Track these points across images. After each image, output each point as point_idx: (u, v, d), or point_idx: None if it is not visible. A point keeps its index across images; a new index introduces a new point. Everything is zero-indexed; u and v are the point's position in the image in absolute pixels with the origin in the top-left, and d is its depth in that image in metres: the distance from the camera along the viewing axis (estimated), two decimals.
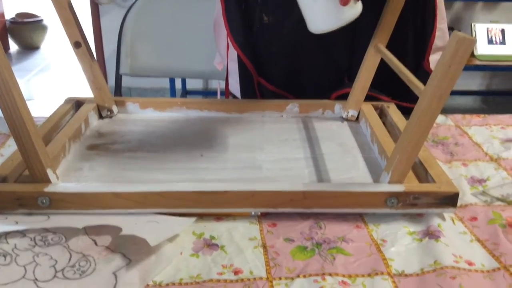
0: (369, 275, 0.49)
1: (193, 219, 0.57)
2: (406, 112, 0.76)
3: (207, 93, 2.91)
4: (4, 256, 0.50)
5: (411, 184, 0.58)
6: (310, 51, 0.87)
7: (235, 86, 0.98)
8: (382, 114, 0.80)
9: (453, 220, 0.58)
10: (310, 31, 0.68)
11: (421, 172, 0.62)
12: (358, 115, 0.81)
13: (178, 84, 2.49)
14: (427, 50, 0.87)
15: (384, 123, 0.76)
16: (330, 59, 0.87)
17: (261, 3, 0.85)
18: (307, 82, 0.88)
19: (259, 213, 0.59)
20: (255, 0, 0.85)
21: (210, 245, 0.54)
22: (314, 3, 0.64)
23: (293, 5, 0.84)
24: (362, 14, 0.76)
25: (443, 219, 0.58)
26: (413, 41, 0.87)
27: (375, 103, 0.81)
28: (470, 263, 0.51)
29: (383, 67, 0.75)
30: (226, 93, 1.04)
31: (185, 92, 2.60)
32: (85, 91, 0.75)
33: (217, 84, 2.41)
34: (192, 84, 2.72)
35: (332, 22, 0.64)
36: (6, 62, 0.52)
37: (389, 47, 0.73)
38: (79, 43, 0.74)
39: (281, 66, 0.89)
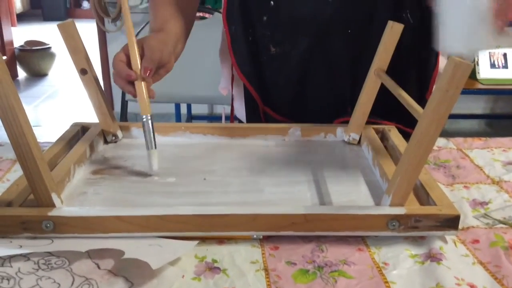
0: None
1: (195, 242, 0.57)
2: (409, 137, 0.77)
3: (212, 118, 2.93)
4: (8, 279, 0.50)
5: (412, 206, 0.59)
6: (315, 82, 0.89)
7: (240, 111, 1.00)
8: (383, 137, 0.81)
9: (455, 243, 0.58)
10: (438, 49, 0.65)
11: (422, 195, 0.63)
12: (360, 138, 0.81)
13: (183, 109, 2.52)
14: (431, 81, 0.89)
15: (385, 146, 0.77)
16: (334, 90, 0.89)
17: (269, 35, 0.87)
18: (312, 112, 0.90)
19: (261, 236, 0.59)
20: (263, 32, 0.87)
21: (212, 268, 0.54)
22: (461, 22, 0.61)
23: (300, 37, 0.86)
24: (365, 47, 0.78)
25: (445, 241, 0.58)
26: (417, 72, 0.89)
27: (376, 126, 0.82)
28: (472, 286, 0.51)
29: (386, 94, 0.77)
30: (231, 117, 1.06)
31: (191, 117, 2.63)
32: (91, 116, 0.76)
33: (222, 109, 2.43)
34: (197, 109, 2.75)
35: (479, 45, 0.61)
36: (12, 89, 0.53)
37: (391, 77, 0.74)
38: (85, 70, 0.76)
39: (287, 96, 0.91)
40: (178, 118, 2.35)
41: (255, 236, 0.59)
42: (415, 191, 0.63)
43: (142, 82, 0.72)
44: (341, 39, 0.85)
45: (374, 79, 0.76)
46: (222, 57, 1.01)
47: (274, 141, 0.83)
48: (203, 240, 0.58)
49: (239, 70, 0.90)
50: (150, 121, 0.72)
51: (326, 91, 0.90)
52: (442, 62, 0.91)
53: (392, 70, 0.73)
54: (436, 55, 0.88)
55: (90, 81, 0.77)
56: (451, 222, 0.57)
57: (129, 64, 0.73)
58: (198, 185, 0.68)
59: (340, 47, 0.86)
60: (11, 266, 0.52)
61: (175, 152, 0.79)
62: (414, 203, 0.61)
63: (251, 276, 0.53)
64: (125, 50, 0.74)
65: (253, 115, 0.95)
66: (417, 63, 0.88)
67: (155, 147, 0.72)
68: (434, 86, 0.90)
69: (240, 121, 1.03)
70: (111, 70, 3.00)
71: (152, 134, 0.72)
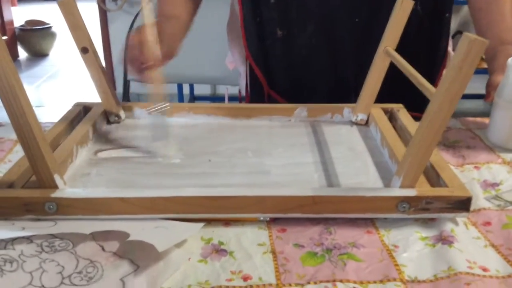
0: (381, 281, 0.48)
1: (201, 224, 0.56)
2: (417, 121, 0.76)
3: (215, 98, 2.90)
4: (11, 262, 0.49)
5: (423, 188, 0.57)
6: (320, 68, 0.88)
7: (243, 86, 0.99)
8: (392, 117, 0.79)
9: (466, 225, 0.57)
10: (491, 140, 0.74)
11: (433, 176, 0.61)
12: (368, 119, 0.80)
13: (186, 89, 2.49)
14: (441, 66, 0.87)
15: (394, 127, 0.75)
16: (338, 77, 0.87)
17: (276, 18, 0.85)
18: (316, 97, 0.88)
19: (268, 219, 0.58)
20: (270, 15, 0.85)
21: (219, 250, 0.53)
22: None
23: (306, 22, 0.85)
24: (371, 36, 0.76)
25: (456, 224, 0.57)
26: (426, 56, 0.87)
27: (384, 106, 0.80)
28: (484, 269, 0.50)
29: (393, 77, 0.75)
30: (240, 95, 1.05)
31: (193, 98, 2.60)
32: (93, 96, 0.74)
33: (225, 90, 2.40)
34: (199, 89, 2.72)
35: None
36: (13, 68, 0.51)
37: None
38: (86, 49, 0.74)
39: (291, 80, 0.90)
40: (180, 98, 2.33)
41: (261, 218, 0.58)
42: (425, 172, 0.62)
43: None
44: (348, 27, 0.84)
45: (383, 57, 0.74)
46: (229, 32, 0.99)
47: (280, 121, 0.82)
48: (209, 222, 0.57)
49: (247, 49, 0.89)
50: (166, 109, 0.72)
51: (330, 78, 0.89)
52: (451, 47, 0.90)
53: (400, 53, 0.71)
54: (447, 38, 0.86)
55: (91, 60, 0.75)
56: (463, 204, 0.56)
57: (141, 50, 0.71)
58: (203, 167, 0.67)
59: (346, 35, 0.84)
60: (14, 249, 0.51)
61: (179, 133, 0.77)
62: (424, 185, 0.60)
63: (258, 259, 0.52)
64: (141, 35, 0.71)
65: (258, 97, 0.94)
66: (426, 46, 0.86)
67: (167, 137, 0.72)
68: (445, 69, 0.88)
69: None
70: (113, 50, 2.96)
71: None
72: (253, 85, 0.93)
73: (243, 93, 1.02)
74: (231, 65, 1.05)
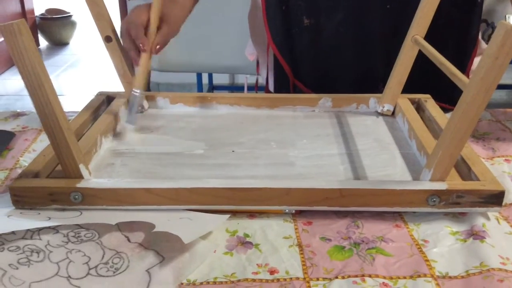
0: (411, 277, 0.47)
1: (226, 216, 0.55)
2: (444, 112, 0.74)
3: (234, 88, 2.89)
4: (37, 252, 0.49)
5: (454, 182, 0.56)
6: (347, 57, 0.86)
7: (270, 81, 0.97)
8: (419, 108, 0.77)
9: (498, 220, 0.56)
10: None
11: (464, 169, 0.59)
12: (394, 109, 0.78)
13: (204, 79, 2.49)
14: (471, 57, 0.85)
15: (421, 118, 0.73)
16: (366, 66, 0.85)
17: (304, 6, 0.83)
18: (342, 87, 0.86)
19: (293, 211, 0.57)
20: (297, 3, 0.83)
21: (244, 243, 0.52)
22: None
23: (336, 8, 0.83)
24: (402, 24, 0.73)
25: (488, 218, 0.55)
26: (455, 47, 0.84)
27: (411, 97, 0.79)
28: None
29: (418, 66, 0.73)
30: (256, 85, 1.03)
31: (212, 87, 2.60)
32: (113, 85, 0.74)
33: (245, 79, 2.39)
34: (218, 79, 2.71)
35: None
36: (38, 57, 0.51)
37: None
38: (110, 38, 0.73)
39: (317, 70, 0.88)
40: (200, 88, 2.32)
41: (287, 211, 0.57)
42: (456, 166, 0.60)
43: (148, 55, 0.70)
44: (379, 14, 0.81)
45: (411, 47, 0.72)
46: (251, 22, 0.97)
47: (303, 112, 0.80)
48: (233, 214, 0.57)
49: (272, 40, 0.87)
50: (138, 97, 0.72)
51: (357, 67, 0.87)
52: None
53: (428, 41, 0.69)
54: (478, 25, 0.83)
55: (114, 49, 0.74)
56: (495, 198, 0.54)
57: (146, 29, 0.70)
58: (226, 158, 0.66)
59: (376, 22, 0.82)
60: (40, 239, 0.51)
61: (202, 123, 0.77)
62: (455, 178, 0.58)
63: (284, 252, 0.51)
64: (147, 13, 0.70)
65: (283, 87, 0.92)
66: (456, 34, 0.83)
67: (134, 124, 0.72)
68: (475, 58, 0.86)
69: (266, 91, 1.00)
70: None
71: (135, 110, 0.72)
72: (277, 75, 0.92)
73: (264, 83, 1.01)
74: (251, 56, 1.03)
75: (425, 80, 0.83)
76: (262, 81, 1.02)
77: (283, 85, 0.91)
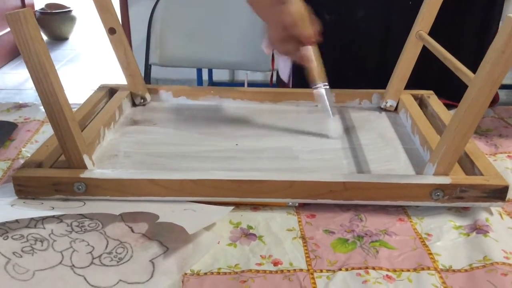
0: (414, 269, 0.47)
1: (230, 208, 0.55)
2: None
3: (234, 84, 2.89)
4: (41, 241, 0.49)
5: (458, 176, 0.56)
6: (367, 52, 0.85)
7: (284, 72, 0.96)
8: (422, 104, 0.77)
9: (501, 215, 0.56)
10: None
11: (467, 164, 0.60)
12: (397, 105, 0.78)
13: (204, 75, 2.48)
14: None
15: (424, 113, 0.73)
16: (386, 62, 0.84)
17: (325, 1, 0.83)
18: (361, 83, 0.85)
19: (296, 204, 0.57)
20: None
21: (248, 235, 0.52)
22: None
23: (358, 4, 0.82)
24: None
25: (491, 213, 0.56)
26: (473, 44, 0.84)
27: (414, 92, 0.79)
28: None
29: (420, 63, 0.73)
30: (271, 80, 1.02)
31: (212, 84, 2.60)
32: (113, 80, 0.74)
33: (245, 75, 2.39)
34: (218, 75, 2.71)
35: None
36: (44, 46, 0.51)
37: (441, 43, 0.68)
38: (113, 30, 0.73)
39: (336, 65, 0.87)
40: (199, 84, 2.32)
41: (290, 204, 0.57)
42: (459, 161, 0.60)
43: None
44: (400, 10, 0.81)
45: (415, 42, 0.72)
46: None
47: (306, 106, 0.80)
48: (237, 206, 0.56)
49: None
50: (328, 89, 0.67)
51: (377, 62, 0.86)
52: None
53: (445, 37, 0.68)
54: (498, 20, 0.83)
55: (118, 41, 0.74)
56: (499, 193, 0.54)
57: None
58: (230, 151, 0.66)
59: (398, 18, 0.81)
60: (44, 228, 0.51)
61: (205, 116, 0.76)
62: (459, 173, 0.58)
63: (288, 244, 0.51)
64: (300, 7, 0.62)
65: (301, 82, 0.92)
66: (475, 30, 0.82)
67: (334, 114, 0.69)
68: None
69: (282, 83, 0.99)
70: (133, 34, 2.92)
71: (332, 102, 0.68)
72: (296, 69, 0.92)
73: (280, 74, 1.01)
74: (268, 50, 1.03)
75: (428, 77, 0.83)
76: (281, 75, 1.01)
77: (302, 80, 0.91)
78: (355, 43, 0.84)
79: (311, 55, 0.65)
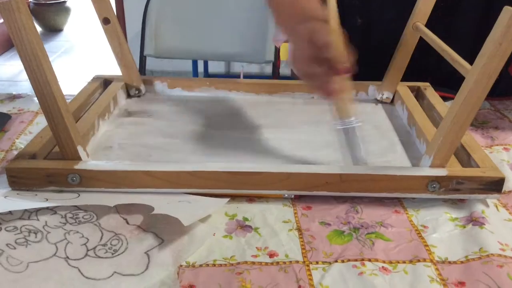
0: (410, 261, 0.47)
1: (225, 200, 0.55)
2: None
3: (229, 76, 2.88)
4: (35, 233, 0.49)
5: (454, 168, 0.56)
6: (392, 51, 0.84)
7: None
8: (418, 96, 0.77)
9: (497, 207, 0.56)
10: None
11: (464, 157, 0.59)
12: (393, 97, 0.78)
13: (200, 67, 2.47)
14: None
15: (421, 105, 0.73)
16: (415, 62, 0.83)
17: (358, 4, 0.82)
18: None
19: (292, 196, 0.57)
20: (352, 2, 0.82)
21: (243, 226, 0.52)
22: None
23: (389, 7, 0.81)
24: (454, 22, 0.70)
25: (487, 205, 0.55)
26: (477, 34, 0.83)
27: (411, 84, 0.78)
28: None
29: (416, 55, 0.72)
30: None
31: (207, 76, 2.59)
32: (108, 71, 0.73)
33: (241, 68, 2.38)
34: (214, 67, 2.70)
35: None
36: (37, 37, 0.50)
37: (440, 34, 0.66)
38: (108, 20, 0.72)
39: (365, 64, 0.86)
40: (195, 76, 2.31)
41: (286, 195, 0.57)
42: (456, 153, 0.60)
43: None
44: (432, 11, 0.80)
45: (412, 34, 0.72)
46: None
47: (302, 98, 0.80)
48: (232, 198, 0.56)
49: None
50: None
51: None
52: None
53: (444, 27, 0.67)
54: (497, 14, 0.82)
55: (113, 32, 0.73)
56: (495, 185, 0.54)
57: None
58: (225, 142, 0.66)
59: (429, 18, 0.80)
60: (38, 219, 0.51)
61: (201, 108, 0.76)
62: (455, 165, 0.58)
63: (284, 236, 0.51)
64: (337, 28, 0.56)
65: None
66: (473, 23, 0.82)
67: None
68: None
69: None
70: (128, 24, 2.91)
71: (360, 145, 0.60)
72: None
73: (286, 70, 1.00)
74: (279, 43, 1.02)
75: (421, 68, 0.82)
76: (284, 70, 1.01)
77: None
78: (386, 45, 0.83)
79: (343, 86, 0.55)
